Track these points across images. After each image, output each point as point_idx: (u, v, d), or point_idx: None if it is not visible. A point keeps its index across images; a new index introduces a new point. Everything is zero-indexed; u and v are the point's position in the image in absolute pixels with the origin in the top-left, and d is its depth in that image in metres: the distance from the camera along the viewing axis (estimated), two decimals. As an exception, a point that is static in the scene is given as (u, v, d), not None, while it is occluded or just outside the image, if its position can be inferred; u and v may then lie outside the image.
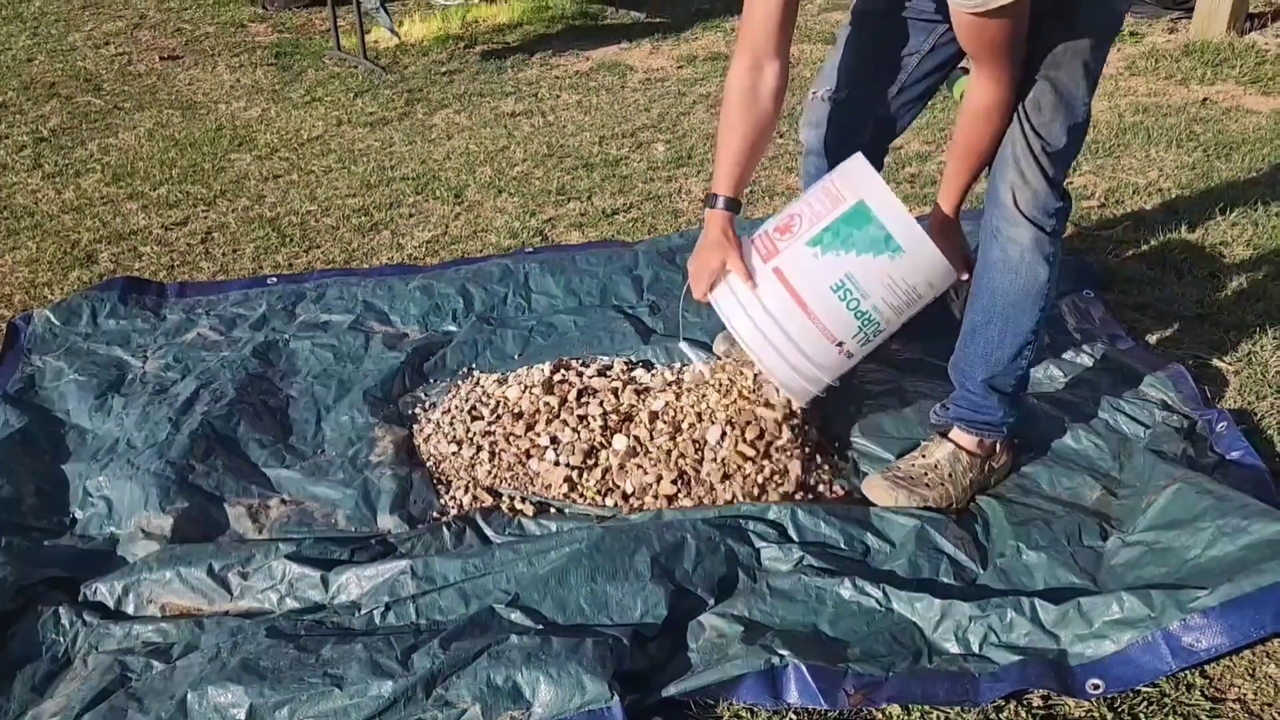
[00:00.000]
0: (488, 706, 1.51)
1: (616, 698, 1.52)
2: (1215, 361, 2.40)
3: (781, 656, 1.59)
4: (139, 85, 4.69)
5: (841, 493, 2.03)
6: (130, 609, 1.81)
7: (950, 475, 2.00)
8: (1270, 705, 1.57)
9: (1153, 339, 2.51)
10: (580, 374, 2.27)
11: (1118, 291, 2.70)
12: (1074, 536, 1.89)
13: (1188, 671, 1.62)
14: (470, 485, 2.05)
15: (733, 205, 1.95)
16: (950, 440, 2.03)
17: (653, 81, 4.44)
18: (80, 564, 1.90)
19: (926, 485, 1.99)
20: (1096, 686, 1.56)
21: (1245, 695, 1.60)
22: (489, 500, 2.02)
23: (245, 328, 2.61)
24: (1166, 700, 1.59)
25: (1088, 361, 2.39)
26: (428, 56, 4.84)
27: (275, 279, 2.85)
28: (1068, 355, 2.41)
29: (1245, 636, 1.55)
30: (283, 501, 2.05)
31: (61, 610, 1.77)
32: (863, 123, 2.16)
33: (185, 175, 3.67)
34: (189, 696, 1.54)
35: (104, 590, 1.82)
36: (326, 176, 3.61)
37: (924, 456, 2.04)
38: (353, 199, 3.42)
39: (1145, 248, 2.88)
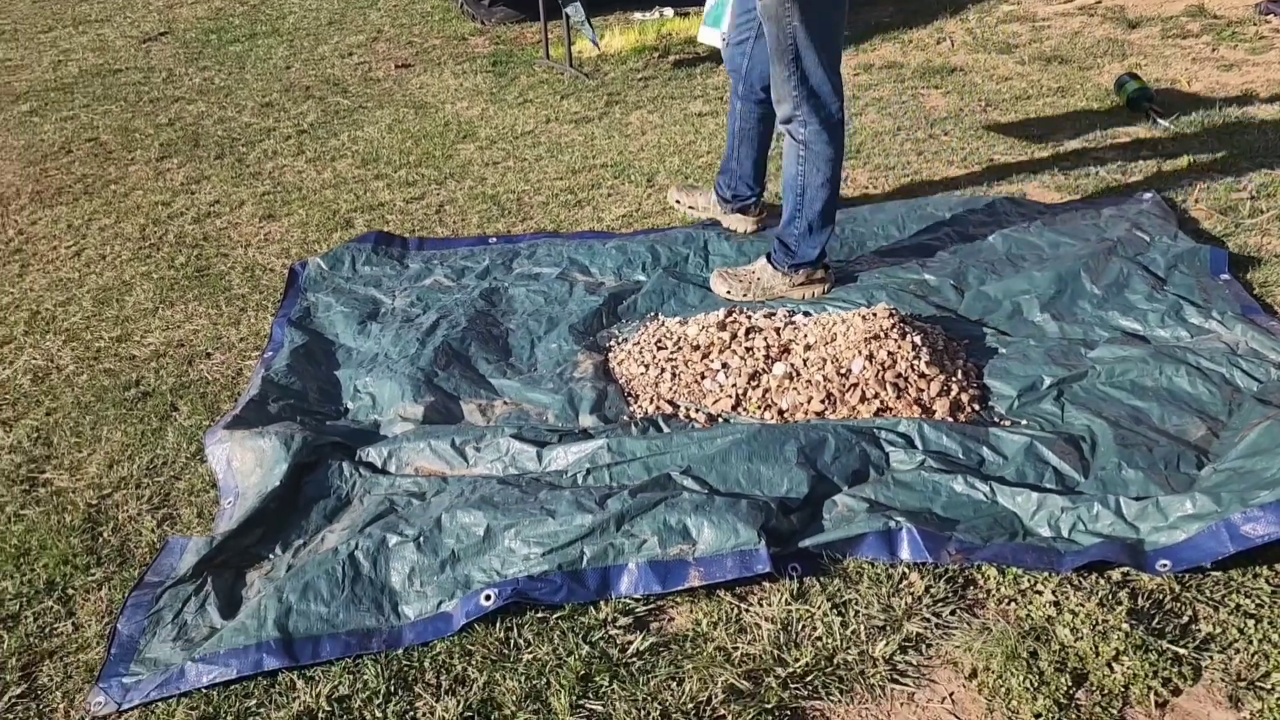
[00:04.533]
0: (663, 540, 1.96)
1: (763, 543, 1.93)
2: (1334, 332, 2.59)
3: (898, 522, 1.97)
4: (378, 89, 5.43)
5: (966, 419, 2.37)
6: (393, 469, 2.35)
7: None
8: (1325, 594, 1.83)
9: None
10: (749, 316, 2.70)
11: (1258, 274, 2.90)
12: (1171, 463, 2.17)
13: (1257, 565, 1.90)
14: (655, 398, 2.51)
15: None
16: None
17: (829, 86, 4.82)
18: (354, 437, 2.46)
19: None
20: (1164, 565, 1.87)
21: (1306, 588, 1.87)
22: (669, 410, 2.47)
23: (472, 277, 3.17)
24: (1233, 583, 1.89)
25: (1217, 327, 2.61)
26: (626, 65, 5.38)
27: (495, 239, 3.41)
28: (1196, 320, 2.65)
29: (1296, 526, 1.82)
30: (505, 403, 2.57)
31: (344, 465, 2.33)
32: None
33: (420, 161, 4.32)
34: (443, 517, 2.06)
35: (374, 454, 2.37)
36: (537, 164, 4.18)
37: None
38: (560, 181, 3.97)
39: (1286, 236, 3.07)
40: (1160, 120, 4.00)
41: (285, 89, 5.52)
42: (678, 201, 3.46)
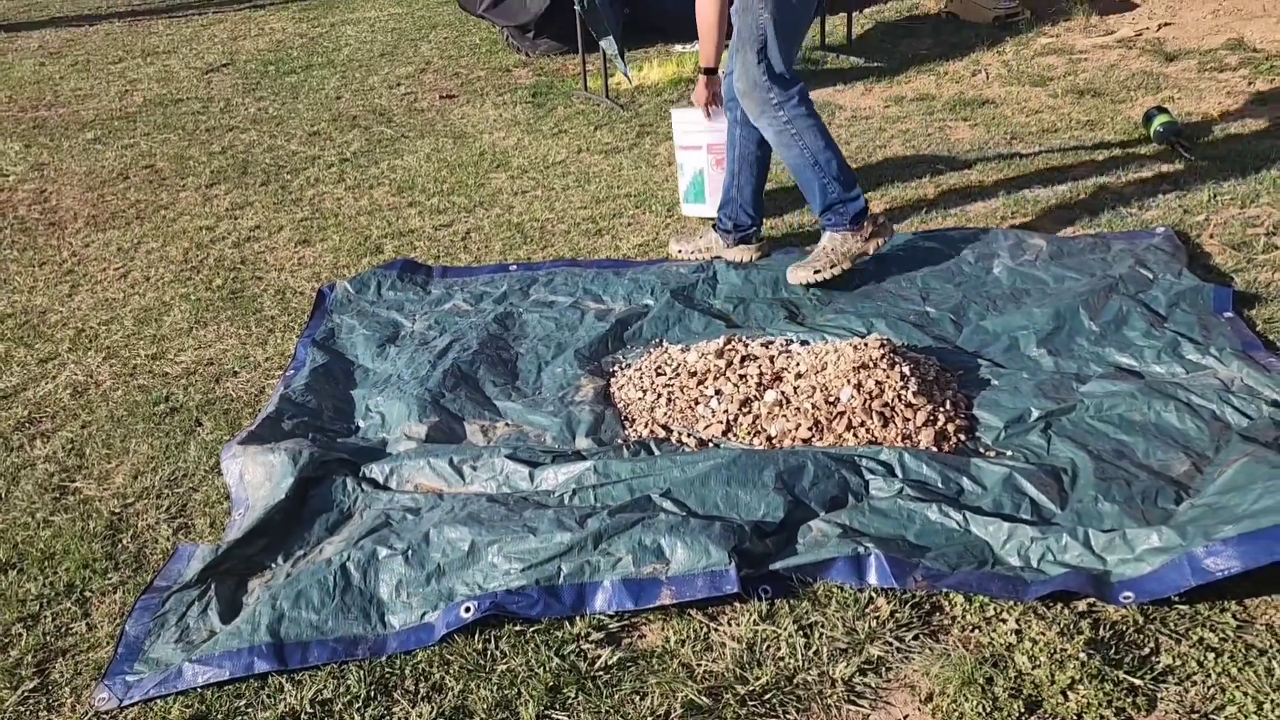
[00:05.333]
0: (637, 559, 2.03)
1: (733, 564, 1.99)
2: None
3: (867, 548, 2.02)
4: (421, 119, 5.62)
5: (951, 449, 2.41)
6: (394, 485, 2.46)
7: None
8: (1289, 630, 1.84)
9: (1280, 349, 2.71)
10: (746, 344, 2.77)
11: (1264, 311, 2.89)
12: (1149, 497, 2.18)
13: (1225, 600, 1.92)
14: (650, 422, 2.59)
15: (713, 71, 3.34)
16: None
17: (858, 119, 4.89)
18: (361, 454, 2.58)
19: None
20: (1128, 596, 1.89)
21: (1274, 622, 1.87)
22: (662, 434, 2.54)
23: (490, 302, 3.29)
24: (1199, 616, 1.90)
25: (1214, 364, 2.61)
26: (661, 96, 5.50)
27: (515, 266, 3.53)
28: (1193, 356, 2.65)
29: (1255, 561, 1.83)
30: (507, 424, 2.67)
31: (348, 481, 2.44)
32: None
33: (453, 189, 4.47)
34: (431, 531, 2.16)
35: (377, 470, 2.48)
36: (564, 193, 4.30)
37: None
38: (583, 210, 4.08)
39: (1296, 272, 3.05)
40: (1186, 154, 3.99)
41: (334, 118, 5.73)
42: (679, 251, 3.51)
